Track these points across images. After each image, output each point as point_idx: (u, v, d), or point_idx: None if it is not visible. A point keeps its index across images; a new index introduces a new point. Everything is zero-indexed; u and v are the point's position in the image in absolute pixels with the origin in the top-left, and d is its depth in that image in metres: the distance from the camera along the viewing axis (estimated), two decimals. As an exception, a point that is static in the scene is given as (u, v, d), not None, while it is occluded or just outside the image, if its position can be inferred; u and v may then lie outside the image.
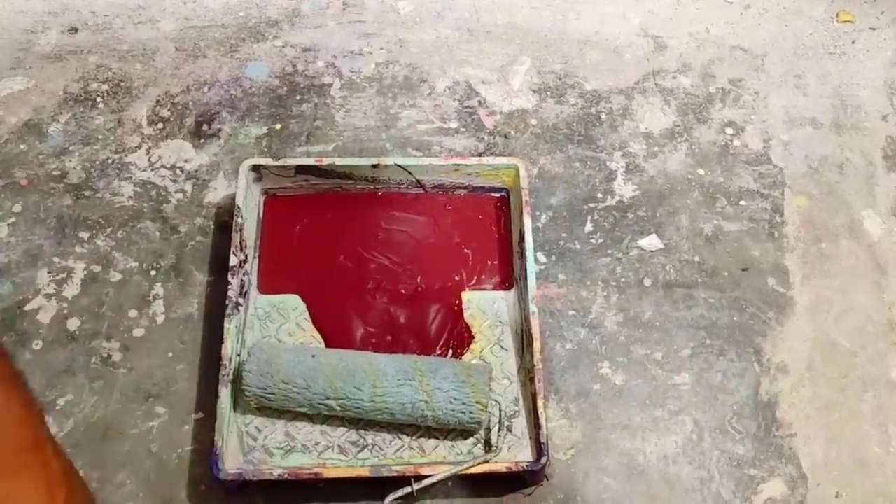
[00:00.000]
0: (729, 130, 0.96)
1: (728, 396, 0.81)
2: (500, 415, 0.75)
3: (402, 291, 0.82)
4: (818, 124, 0.97)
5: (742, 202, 0.91)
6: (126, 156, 0.91)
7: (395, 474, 0.71)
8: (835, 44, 1.02)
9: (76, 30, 1.00)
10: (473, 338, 0.81)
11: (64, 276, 0.84)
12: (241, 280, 0.79)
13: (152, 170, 0.90)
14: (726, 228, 0.89)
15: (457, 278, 0.84)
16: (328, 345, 0.80)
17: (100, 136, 0.92)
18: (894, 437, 0.79)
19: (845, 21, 1.04)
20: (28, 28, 1.00)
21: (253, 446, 0.75)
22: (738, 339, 0.83)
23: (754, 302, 0.85)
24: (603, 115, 0.96)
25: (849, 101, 0.98)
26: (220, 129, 0.93)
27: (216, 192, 0.89)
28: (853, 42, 1.03)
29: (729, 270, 0.87)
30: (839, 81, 1.00)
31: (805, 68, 1.00)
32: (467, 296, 0.83)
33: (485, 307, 0.82)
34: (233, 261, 0.79)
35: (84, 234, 0.86)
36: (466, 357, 0.80)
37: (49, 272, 0.84)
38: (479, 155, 0.92)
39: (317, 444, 0.75)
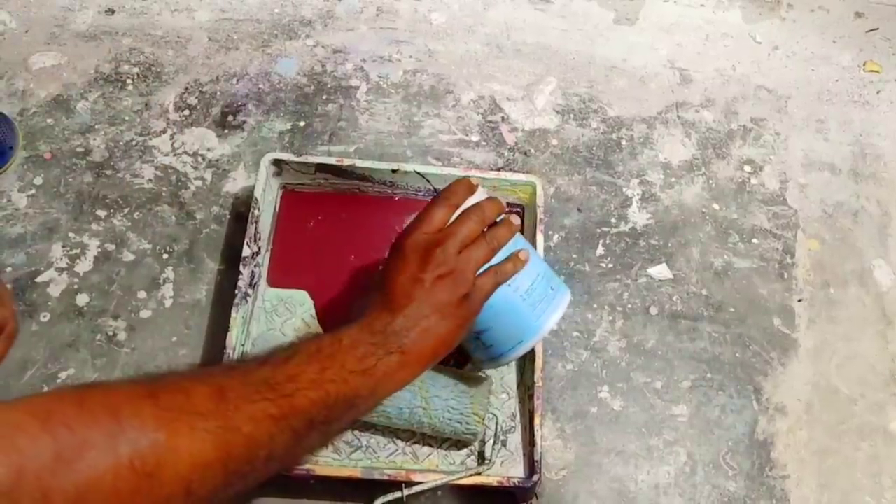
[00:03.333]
0: (747, 168, 0.96)
1: (724, 432, 0.81)
2: (497, 429, 0.75)
3: (410, 297, 0.83)
4: (836, 170, 0.97)
5: (754, 240, 0.91)
6: (150, 139, 0.92)
7: (386, 478, 0.71)
8: (860, 92, 1.03)
9: (113, 11, 1.01)
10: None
11: (78, 251, 0.85)
12: (252, 271, 0.80)
13: (174, 155, 0.91)
14: (736, 265, 0.90)
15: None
16: (332, 343, 0.80)
17: (126, 118, 0.93)
18: (887, 488, 0.79)
19: (872, 71, 1.05)
20: (66, 5, 1.01)
21: (248, 437, 0.75)
22: (739, 375, 0.84)
23: (758, 340, 0.85)
24: (623, 142, 0.97)
25: (869, 149, 0.99)
26: (244, 122, 0.94)
27: (235, 183, 0.90)
28: (878, 92, 1.03)
29: (735, 306, 0.87)
30: (861, 130, 1.00)
31: (828, 114, 1.01)
32: (474, 308, 0.83)
33: (490, 320, 0.83)
34: (246, 251, 0.80)
35: (101, 213, 0.87)
36: (468, 368, 0.80)
37: (63, 246, 0.85)
38: (498, 170, 0.92)
39: (311, 440, 0.75)
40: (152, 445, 0.41)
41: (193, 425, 0.44)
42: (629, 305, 0.86)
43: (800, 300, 0.87)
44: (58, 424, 0.39)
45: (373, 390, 0.55)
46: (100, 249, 0.85)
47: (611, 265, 0.88)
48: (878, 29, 1.08)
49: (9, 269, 0.83)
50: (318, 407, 0.50)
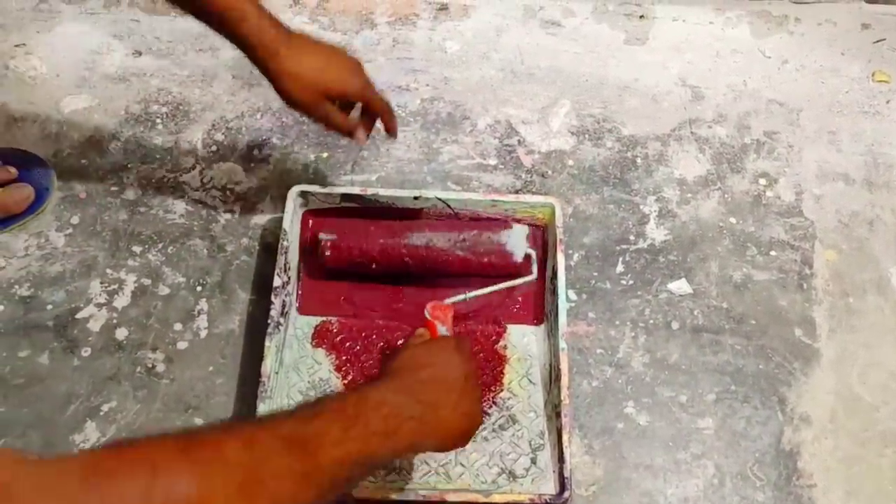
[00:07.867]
0: (762, 181, 0.98)
1: (751, 443, 0.82)
2: None
3: (437, 320, 0.85)
4: (850, 180, 0.99)
5: (772, 252, 0.93)
6: (180, 175, 0.95)
7: (421, 498, 0.73)
8: (870, 103, 1.05)
9: (140, 53, 1.05)
10: (503, 370, 0.83)
11: (115, 287, 0.88)
12: (283, 300, 0.83)
13: (204, 190, 0.95)
14: (755, 277, 0.91)
15: (490, 310, 0.86)
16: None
17: (157, 156, 0.97)
18: (915, 494, 0.80)
19: (881, 81, 1.06)
20: (94, 49, 1.05)
21: (286, 462, 0.77)
22: (762, 387, 0.85)
23: (780, 351, 0.87)
24: (639, 160, 0.99)
25: (881, 159, 1.00)
26: (269, 155, 0.97)
27: (263, 215, 0.93)
28: (888, 102, 1.05)
29: (756, 318, 0.89)
30: (872, 140, 1.02)
31: (839, 125, 1.03)
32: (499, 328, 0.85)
33: (515, 340, 0.85)
34: (276, 282, 0.82)
35: (137, 248, 0.90)
36: (497, 389, 0.82)
37: (102, 283, 0.88)
38: (517, 192, 0.95)
39: (347, 463, 0.78)
40: (184, 496, 0.45)
41: (223, 476, 0.46)
42: (651, 321, 0.88)
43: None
44: (100, 476, 0.43)
45: (393, 450, 0.58)
46: (136, 284, 0.88)
47: (631, 282, 0.90)
48: (885, 39, 1.10)
49: (49, 307, 0.86)
50: (340, 466, 0.53)
